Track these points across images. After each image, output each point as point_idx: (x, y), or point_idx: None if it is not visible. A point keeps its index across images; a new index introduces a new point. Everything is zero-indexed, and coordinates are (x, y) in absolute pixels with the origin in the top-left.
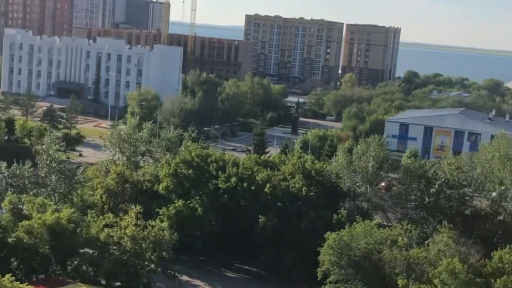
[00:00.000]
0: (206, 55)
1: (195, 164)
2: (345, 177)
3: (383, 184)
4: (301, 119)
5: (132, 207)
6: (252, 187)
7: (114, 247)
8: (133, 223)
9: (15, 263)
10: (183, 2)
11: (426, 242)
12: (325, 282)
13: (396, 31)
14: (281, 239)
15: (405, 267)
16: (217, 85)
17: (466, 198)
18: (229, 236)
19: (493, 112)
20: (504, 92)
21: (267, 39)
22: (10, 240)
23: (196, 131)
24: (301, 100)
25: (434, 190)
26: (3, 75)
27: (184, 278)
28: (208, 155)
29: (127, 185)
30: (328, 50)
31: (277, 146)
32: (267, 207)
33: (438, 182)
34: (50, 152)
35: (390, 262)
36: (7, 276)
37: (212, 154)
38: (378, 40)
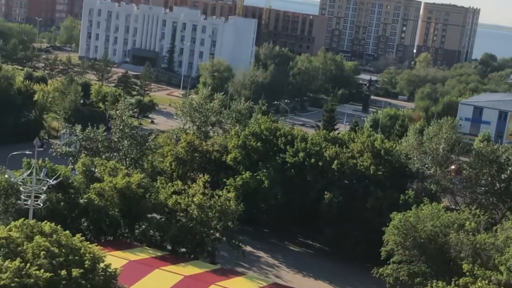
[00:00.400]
0: (280, 29)
1: (263, 137)
2: (415, 158)
3: (453, 167)
4: (372, 97)
5: (200, 176)
6: (320, 163)
7: (181, 214)
8: (201, 191)
9: (86, 224)
10: None
11: (494, 228)
12: (388, 262)
13: (476, 12)
14: (346, 217)
15: (471, 252)
16: (289, 59)
17: None
18: (294, 211)
19: None
20: None
21: (342, 14)
22: (81, 201)
23: (267, 104)
24: (373, 78)
25: (506, 176)
26: (81, 40)
27: (248, 248)
28: (277, 129)
29: (196, 154)
30: (404, 29)
31: (347, 124)
32: (334, 184)
33: (510, 168)
34: (123, 118)
35: (456, 246)
36: (78, 235)
37: (281, 128)
38: (456, 20)
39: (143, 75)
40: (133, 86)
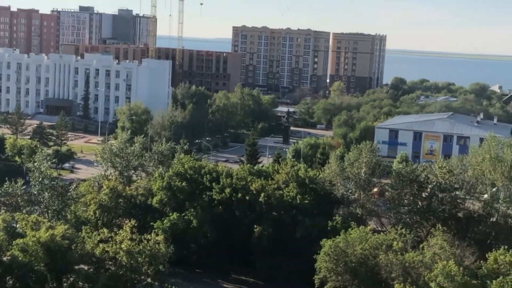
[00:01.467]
0: (195, 68)
1: (188, 176)
2: (338, 184)
3: (375, 190)
4: (292, 128)
5: (126, 221)
6: (247, 197)
7: (110, 262)
8: (128, 237)
9: (11, 282)
10: (170, 15)
11: (421, 245)
12: None
13: (382, 39)
14: (277, 248)
15: (401, 271)
16: (207, 97)
17: (459, 201)
18: (225, 247)
19: (481, 115)
20: (491, 95)
21: (255, 50)
22: (5, 259)
23: (188, 143)
24: (291, 109)
25: (427, 194)
26: None
27: None
28: (201, 167)
29: (120, 200)
30: (316, 59)
31: (269, 156)
32: (262, 216)
33: (430, 186)
34: (42, 169)
35: (386, 267)
36: None
37: (205, 166)
38: (365, 48)
39: (58, 124)
40: (49, 136)
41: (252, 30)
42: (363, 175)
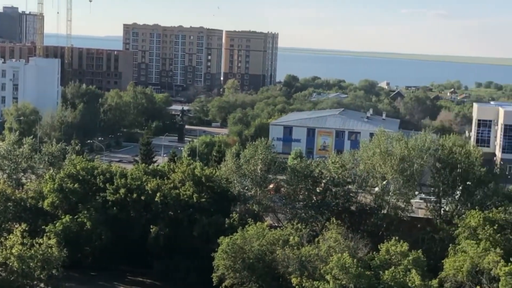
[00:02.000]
0: (85, 67)
1: (81, 178)
2: (235, 181)
3: (271, 186)
4: (186, 126)
5: (16, 225)
6: (142, 197)
7: (0, 268)
8: (19, 242)
9: None
10: (58, 13)
11: (316, 239)
12: (220, 287)
13: (274, 37)
14: (174, 248)
15: (298, 265)
16: (98, 96)
17: (351, 194)
18: (121, 249)
19: (370, 111)
20: (379, 91)
21: (147, 48)
22: None
23: (80, 144)
24: (185, 108)
25: (321, 188)
26: None
27: None
28: (94, 168)
29: (9, 203)
30: (209, 57)
31: (165, 155)
32: (159, 216)
33: (324, 181)
34: None
35: (283, 262)
36: None
37: (98, 167)
38: (257, 46)
39: None
40: None
41: (144, 27)
42: (259, 171)
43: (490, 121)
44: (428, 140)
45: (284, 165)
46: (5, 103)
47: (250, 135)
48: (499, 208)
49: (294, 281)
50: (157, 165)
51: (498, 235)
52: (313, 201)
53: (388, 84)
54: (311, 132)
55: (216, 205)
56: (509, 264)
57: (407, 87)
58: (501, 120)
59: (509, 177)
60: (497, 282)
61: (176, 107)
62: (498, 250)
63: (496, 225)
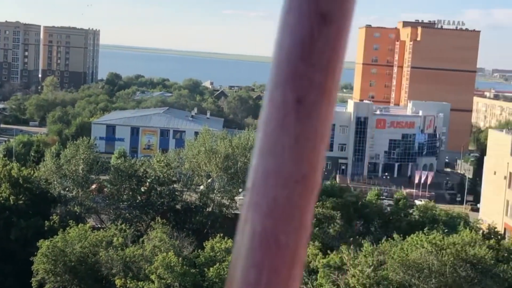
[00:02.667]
0: None
1: None
2: (55, 182)
3: (94, 186)
4: (2, 126)
5: None
6: None
7: None
8: None
9: None
10: None
11: (141, 239)
12: None
13: (96, 33)
14: None
15: (122, 266)
16: None
17: (177, 193)
18: None
19: (195, 110)
20: (203, 90)
21: None
22: None
23: None
24: (1, 106)
25: (146, 188)
26: None
27: None
28: None
29: None
30: (26, 53)
31: None
32: None
33: (148, 180)
34: None
35: (107, 263)
36: None
37: None
38: (78, 42)
39: None
40: None
41: None
42: (81, 171)
43: None
44: (251, 138)
45: (107, 164)
46: None
47: (71, 134)
48: (317, 203)
49: (118, 282)
50: None
51: (317, 228)
52: (137, 201)
53: (212, 83)
54: (135, 131)
55: (35, 207)
56: (327, 256)
57: (231, 86)
58: None
59: (325, 173)
60: (316, 275)
61: None
62: (316, 243)
63: (314, 219)
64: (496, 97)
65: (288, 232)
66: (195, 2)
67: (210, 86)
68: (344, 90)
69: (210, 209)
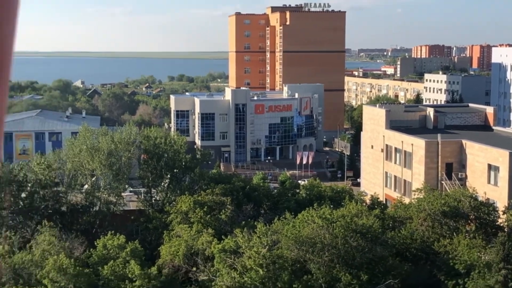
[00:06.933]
0: None
1: None
2: None
3: None
4: None
5: None
6: None
7: None
8: None
9: None
10: None
11: (29, 245)
12: None
13: None
14: None
15: (11, 274)
16: None
17: (61, 195)
18: None
19: (70, 110)
20: (75, 90)
21: None
22: None
23: None
24: None
25: (27, 192)
26: None
27: None
28: None
29: None
30: None
31: None
32: None
33: (30, 184)
34: None
35: None
36: None
37: None
38: None
39: None
40: None
41: None
42: None
43: (188, 111)
44: (133, 133)
45: None
46: None
47: None
48: (207, 191)
49: None
50: None
51: (208, 216)
52: (20, 206)
53: (83, 82)
54: (8, 137)
55: None
56: (222, 242)
57: (103, 84)
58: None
59: (209, 162)
60: (212, 261)
61: None
62: (210, 230)
63: (206, 207)
64: (365, 75)
65: None
66: (53, 2)
67: (82, 86)
68: (219, 80)
69: (97, 207)
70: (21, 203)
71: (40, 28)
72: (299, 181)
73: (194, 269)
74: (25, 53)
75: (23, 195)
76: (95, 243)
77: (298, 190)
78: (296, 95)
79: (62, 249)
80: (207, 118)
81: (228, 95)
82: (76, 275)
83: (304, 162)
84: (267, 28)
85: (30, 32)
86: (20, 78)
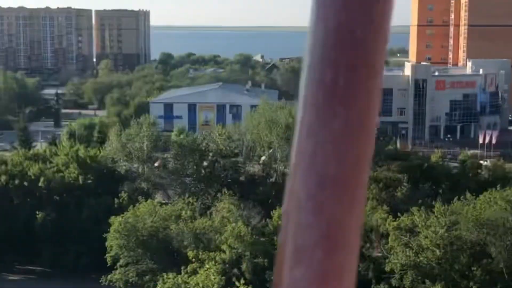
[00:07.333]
0: None
1: None
2: (121, 160)
3: (156, 164)
4: (63, 110)
5: None
6: (25, 183)
7: None
8: None
9: None
10: None
11: (209, 211)
12: (115, 267)
13: (146, 14)
14: (63, 232)
15: (193, 238)
16: None
17: (239, 165)
18: (6, 238)
19: (249, 83)
20: (254, 64)
21: (13, 31)
22: None
23: None
24: (59, 91)
25: (208, 161)
26: None
27: None
28: None
29: None
30: (80, 38)
31: (42, 141)
32: (44, 201)
33: (211, 153)
34: None
35: (178, 236)
36: None
37: None
38: (129, 24)
39: None
40: None
41: (8, 10)
42: (146, 149)
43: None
44: None
45: (170, 141)
46: None
47: (130, 114)
48: (382, 167)
49: (190, 254)
50: (37, 150)
51: (384, 192)
52: (202, 174)
53: (262, 57)
54: (192, 108)
55: (103, 185)
56: (397, 219)
57: (281, 58)
58: None
59: (384, 138)
60: (386, 238)
61: (49, 91)
62: (385, 207)
63: (381, 183)
64: None
65: (365, 25)
66: None
67: (261, 60)
68: (398, 55)
69: (273, 179)
70: (202, 171)
71: (222, 4)
72: (481, 162)
73: (368, 245)
74: (208, 28)
75: (204, 163)
76: (271, 214)
77: (479, 171)
78: (481, 71)
79: (240, 217)
80: (384, 93)
81: (407, 70)
82: (253, 243)
83: (487, 141)
84: (451, 1)
85: (213, 8)
86: (204, 52)
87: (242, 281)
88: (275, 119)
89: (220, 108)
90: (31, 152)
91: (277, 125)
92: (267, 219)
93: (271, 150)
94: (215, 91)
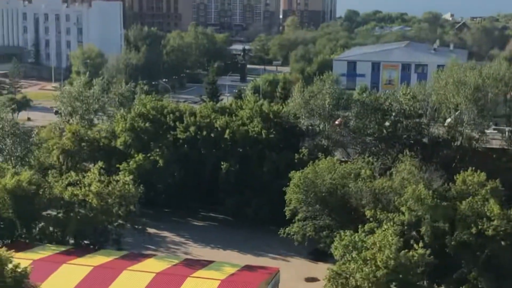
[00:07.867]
0: (146, 9)
1: (151, 117)
2: (303, 116)
3: (337, 122)
4: (248, 66)
5: (91, 165)
6: (212, 135)
7: (80, 205)
8: (97, 179)
9: None
10: None
11: (389, 172)
12: (293, 220)
13: None
14: (245, 184)
15: (371, 198)
16: (160, 38)
17: (423, 126)
18: (193, 186)
19: (437, 42)
20: (443, 23)
21: None
22: None
23: (147, 85)
24: (246, 47)
25: (391, 121)
26: None
27: (152, 230)
28: (163, 107)
29: (83, 143)
30: None
31: (228, 95)
32: (228, 153)
33: (394, 113)
34: (1, 116)
35: (356, 195)
36: None
37: (168, 105)
38: None
39: (11, 72)
40: (2, 85)
41: None
42: (327, 106)
43: None
44: (502, 69)
45: (352, 99)
46: (70, 47)
47: (312, 72)
48: None
49: (368, 213)
50: (224, 103)
51: None
52: (383, 134)
53: (452, 15)
54: (375, 66)
55: (285, 140)
56: None
57: (473, 18)
58: None
59: None
60: None
61: (237, 47)
62: None
63: None
64: None
65: None
66: None
67: (451, 19)
68: None
69: (458, 142)
70: (384, 131)
71: None
72: None
73: None
74: None
75: (386, 123)
76: (454, 178)
77: None
78: None
79: (421, 180)
80: None
81: None
82: (434, 206)
83: None
84: None
85: None
86: (390, 9)
87: (420, 244)
88: (463, 80)
89: (405, 67)
90: (218, 105)
91: (466, 86)
92: (450, 183)
93: (457, 112)
94: (400, 50)
